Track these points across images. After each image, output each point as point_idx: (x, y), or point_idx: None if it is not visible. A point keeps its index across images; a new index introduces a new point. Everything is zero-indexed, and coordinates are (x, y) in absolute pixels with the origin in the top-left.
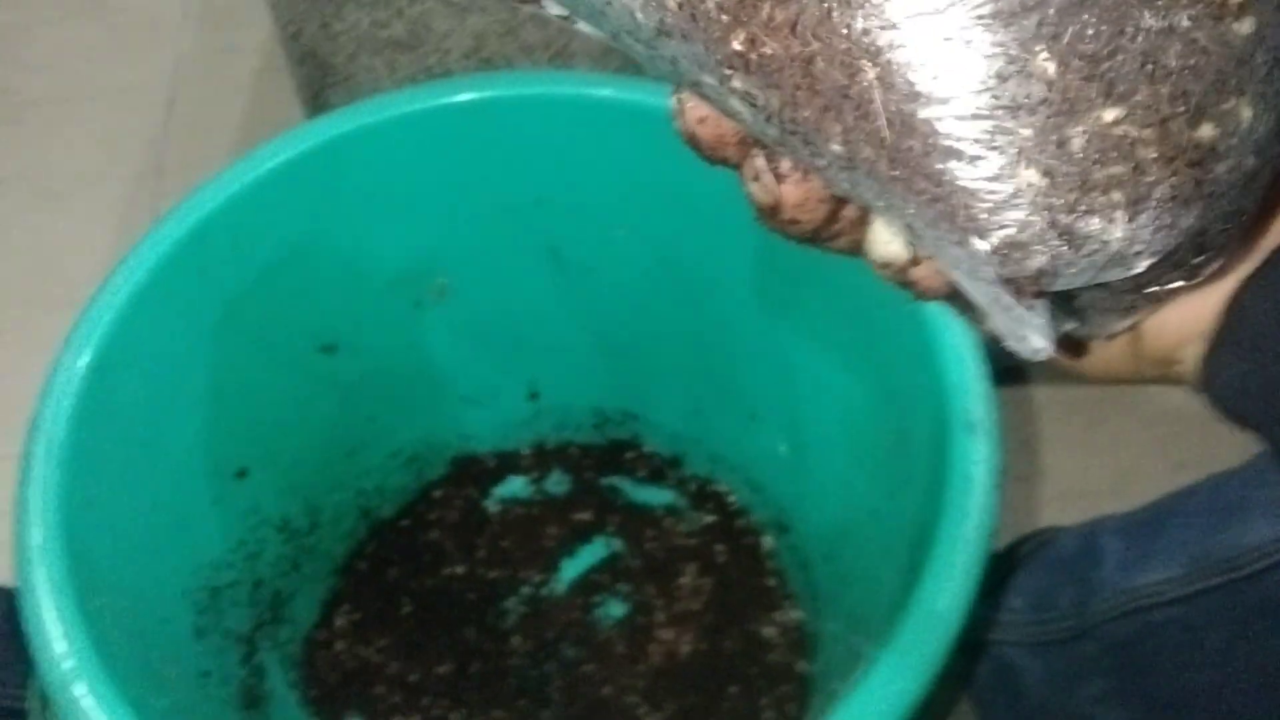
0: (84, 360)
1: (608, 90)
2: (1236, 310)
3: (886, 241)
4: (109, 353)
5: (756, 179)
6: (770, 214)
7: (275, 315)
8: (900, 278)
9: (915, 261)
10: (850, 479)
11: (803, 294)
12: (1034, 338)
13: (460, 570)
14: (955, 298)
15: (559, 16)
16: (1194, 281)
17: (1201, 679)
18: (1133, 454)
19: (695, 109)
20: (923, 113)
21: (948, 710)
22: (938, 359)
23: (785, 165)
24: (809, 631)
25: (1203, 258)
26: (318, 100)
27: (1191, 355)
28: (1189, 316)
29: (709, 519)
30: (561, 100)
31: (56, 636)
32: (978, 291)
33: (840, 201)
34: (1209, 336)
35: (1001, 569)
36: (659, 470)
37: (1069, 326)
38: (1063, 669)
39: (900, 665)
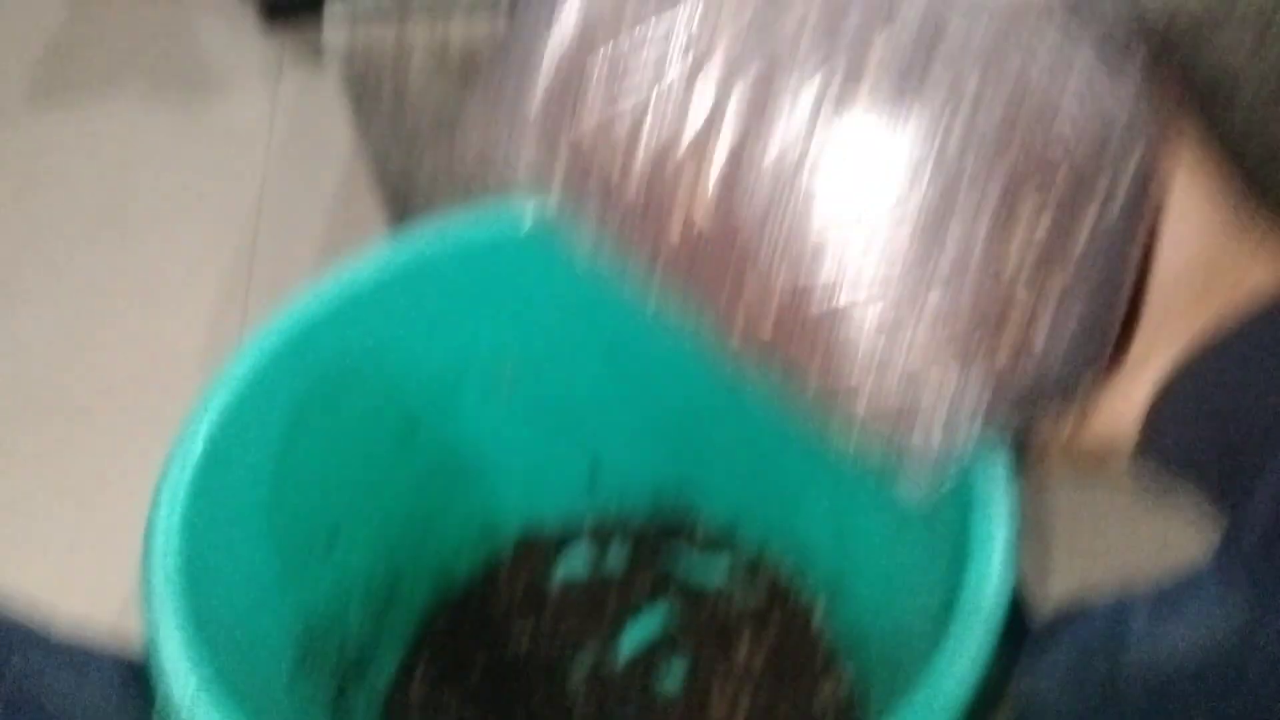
0: (197, 448)
1: None
2: (1152, 421)
3: None
4: (217, 442)
5: None
6: None
7: (359, 407)
8: None
9: None
10: (888, 547)
11: None
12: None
13: (526, 643)
14: None
15: None
16: (1073, 401)
17: None
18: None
19: None
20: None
21: None
22: None
23: None
24: (859, 691)
25: (1069, 388)
26: (401, 218)
27: (1126, 444)
28: (1113, 415)
29: (762, 592)
30: None
31: (178, 658)
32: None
33: None
34: (1139, 433)
35: (1035, 645)
36: (712, 547)
37: (1004, 423)
38: None
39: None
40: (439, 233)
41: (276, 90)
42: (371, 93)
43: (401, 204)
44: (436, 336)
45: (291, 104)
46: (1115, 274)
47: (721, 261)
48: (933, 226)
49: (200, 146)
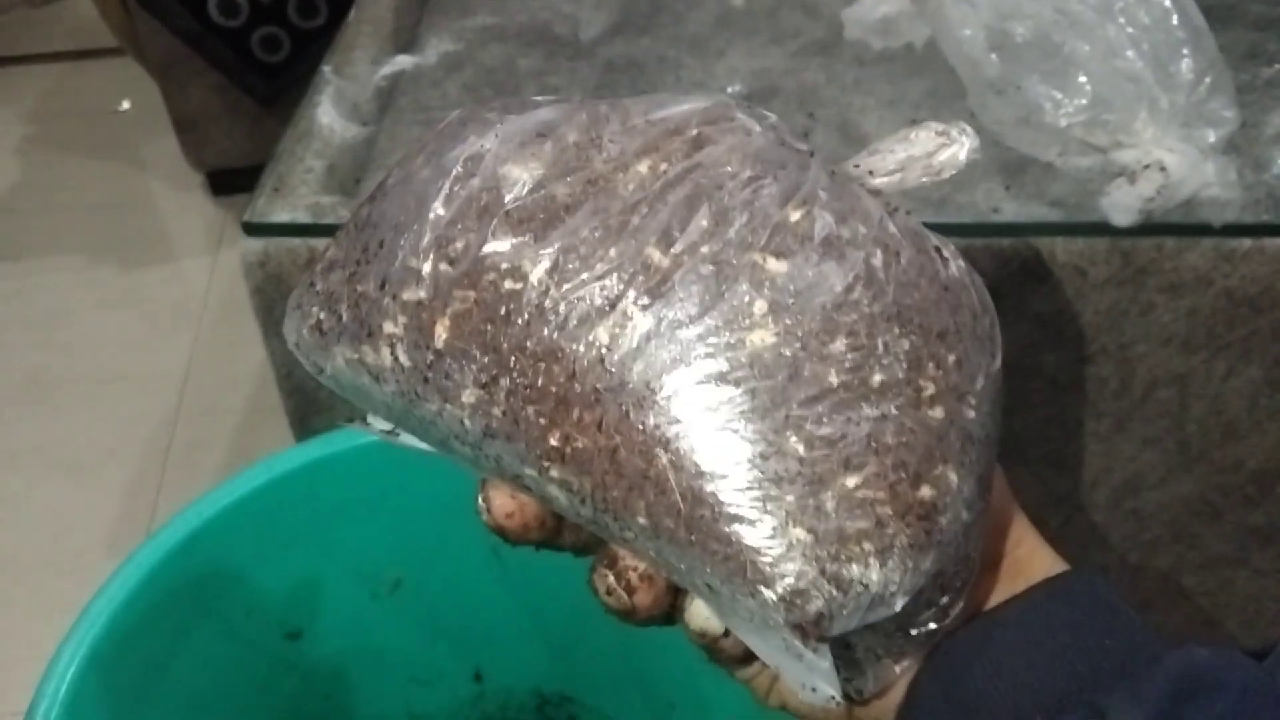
0: (82, 652)
1: None
2: (909, 707)
3: (706, 617)
4: (104, 643)
5: (610, 594)
6: (626, 617)
7: (249, 609)
8: (711, 646)
9: (725, 634)
10: None
11: None
12: (824, 685)
13: None
14: (748, 659)
15: (384, 432)
16: (946, 622)
17: None
18: None
19: (502, 505)
20: (708, 487)
21: None
22: None
23: (634, 576)
24: None
25: (948, 598)
26: (303, 424)
27: None
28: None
29: None
30: None
31: None
32: (770, 649)
33: (677, 594)
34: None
35: None
36: None
37: (852, 680)
38: None
39: None
40: (335, 438)
41: (216, 260)
42: (278, 303)
43: (303, 413)
44: (328, 538)
45: (230, 274)
46: (989, 474)
47: (613, 459)
48: (850, 403)
49: (134, 317)
